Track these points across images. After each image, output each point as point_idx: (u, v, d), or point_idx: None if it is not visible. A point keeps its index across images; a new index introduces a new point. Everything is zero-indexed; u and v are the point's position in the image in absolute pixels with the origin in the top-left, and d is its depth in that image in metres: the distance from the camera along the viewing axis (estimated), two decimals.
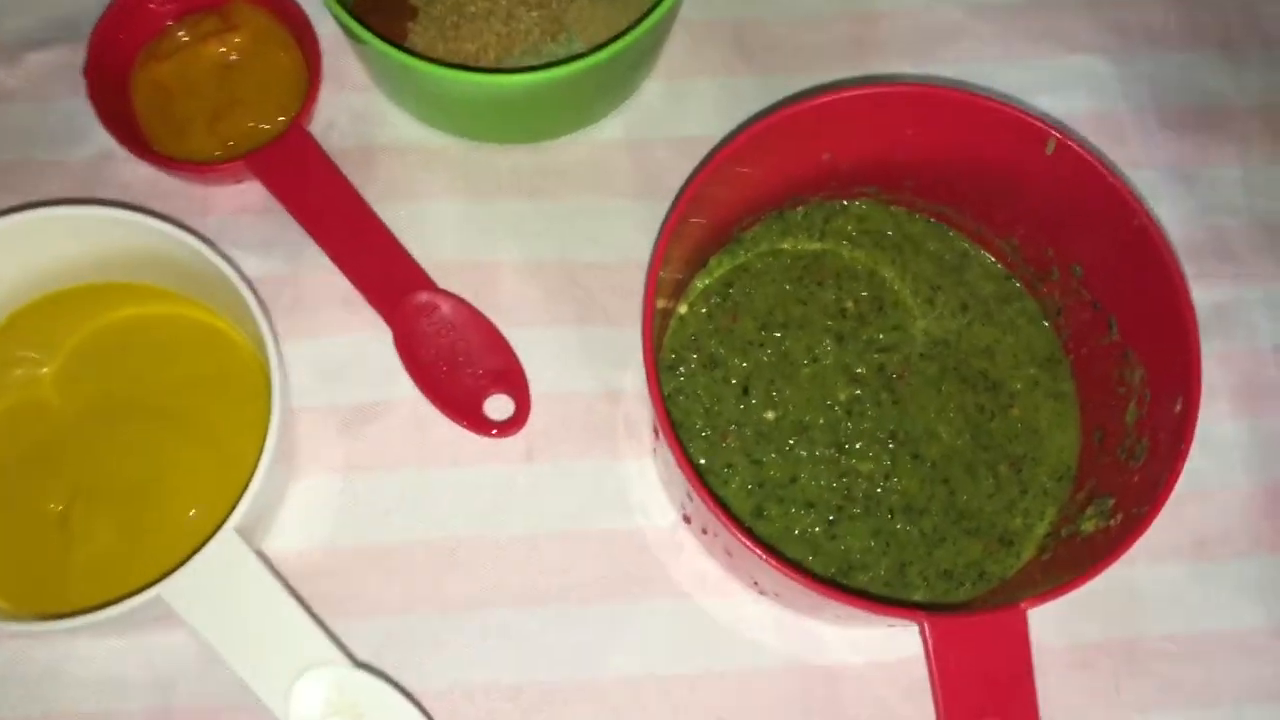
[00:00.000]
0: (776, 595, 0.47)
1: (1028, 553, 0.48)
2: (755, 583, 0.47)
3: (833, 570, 0.47)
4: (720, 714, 0.47)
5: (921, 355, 0.50)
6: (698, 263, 0.51)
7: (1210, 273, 0.55)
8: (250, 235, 0.52)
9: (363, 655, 0.47)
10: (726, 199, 0.47)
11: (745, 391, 0.49)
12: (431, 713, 0.45)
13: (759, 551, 0.40)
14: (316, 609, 0.47)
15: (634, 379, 0.52)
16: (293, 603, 0.41)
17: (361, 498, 0.49)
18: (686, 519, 0.49)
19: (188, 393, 0.48)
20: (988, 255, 0.52)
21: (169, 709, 0.46)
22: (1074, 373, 0.51)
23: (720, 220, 0.49)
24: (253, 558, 0.41)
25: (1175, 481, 0.42)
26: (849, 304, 0.51)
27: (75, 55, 0.52)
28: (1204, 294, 0.55)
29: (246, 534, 0.43)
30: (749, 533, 0.47)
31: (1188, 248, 0.55)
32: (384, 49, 0.47)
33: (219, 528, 0.42)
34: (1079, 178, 0.45)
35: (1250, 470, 0.52)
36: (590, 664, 0.48)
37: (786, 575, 0.40)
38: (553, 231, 0.54)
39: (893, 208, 0.52)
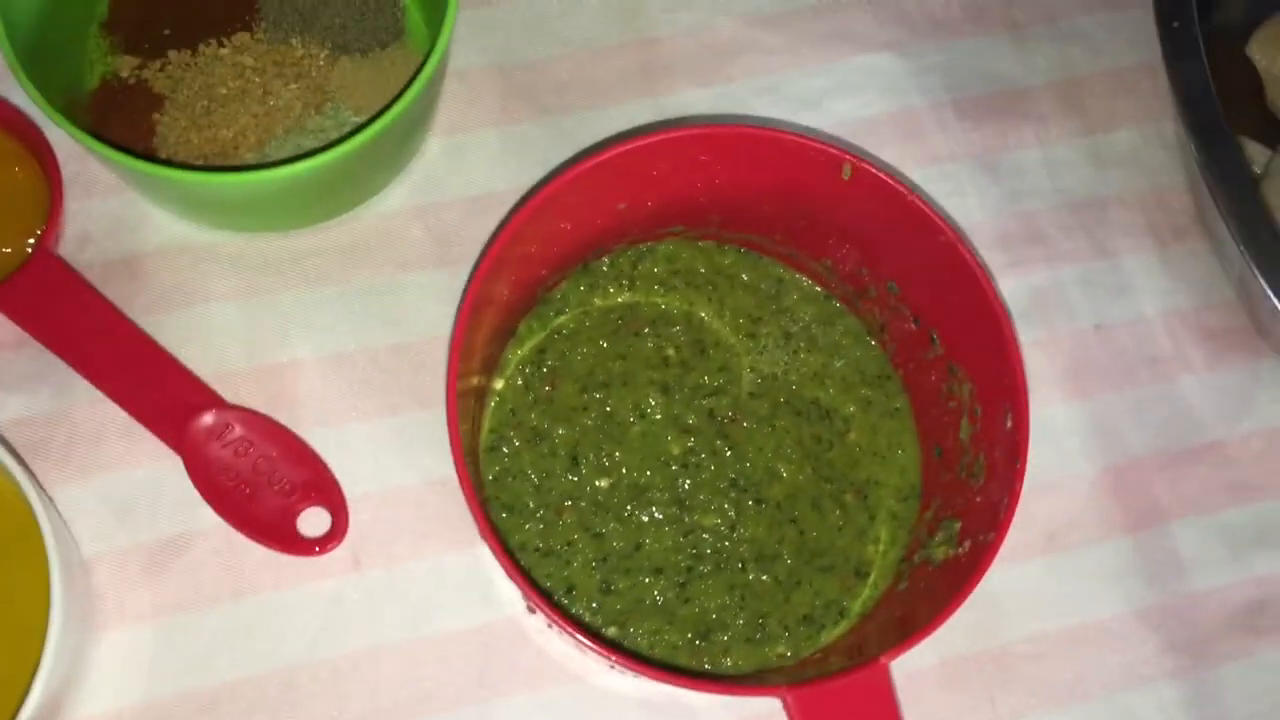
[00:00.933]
0: (637, 675, 0.45)
1: (884, 581, 0.47)
2: (612, 666, 0.45)
3: (690, 635, 0.45)
4: None
5: (750, 394, 0.49)
6: (507, 332, 0.48)
7: (1024, 259, 0.55)
8: (10, 374, 0.47)
9: None
10: (524, 263, 0.45)
11: (575, 461, 0.47)
12: None
13: (604, 652, 0.38)
14: None
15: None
16: None
17: (177, 643, 0.45)
18: (531, 610, 0.46)
19: None
20: (804, 278, 0.51)
21: None
22: (905, 387, 0.49)
23: (522, 285, 0.46)
24: None
25: (1015, 505, 0.41)
26: (670, 351, 0.49)
27: None
28: (1021, 281, 0.54)
29: (47, 714, 0.39)
30: (596, 619, 0.45)
31: (1000, 236, 0.55)
32: (119, 159, 0.43)
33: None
34: (879, 198, 0.44)
35: (1090, 454, 0.52)
36: None
37: (636, 670, 0.38)
38: (347, 318, 0.50)
39: (700, 243, 0.50)
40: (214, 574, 0.46)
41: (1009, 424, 0.42)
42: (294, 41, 0.51)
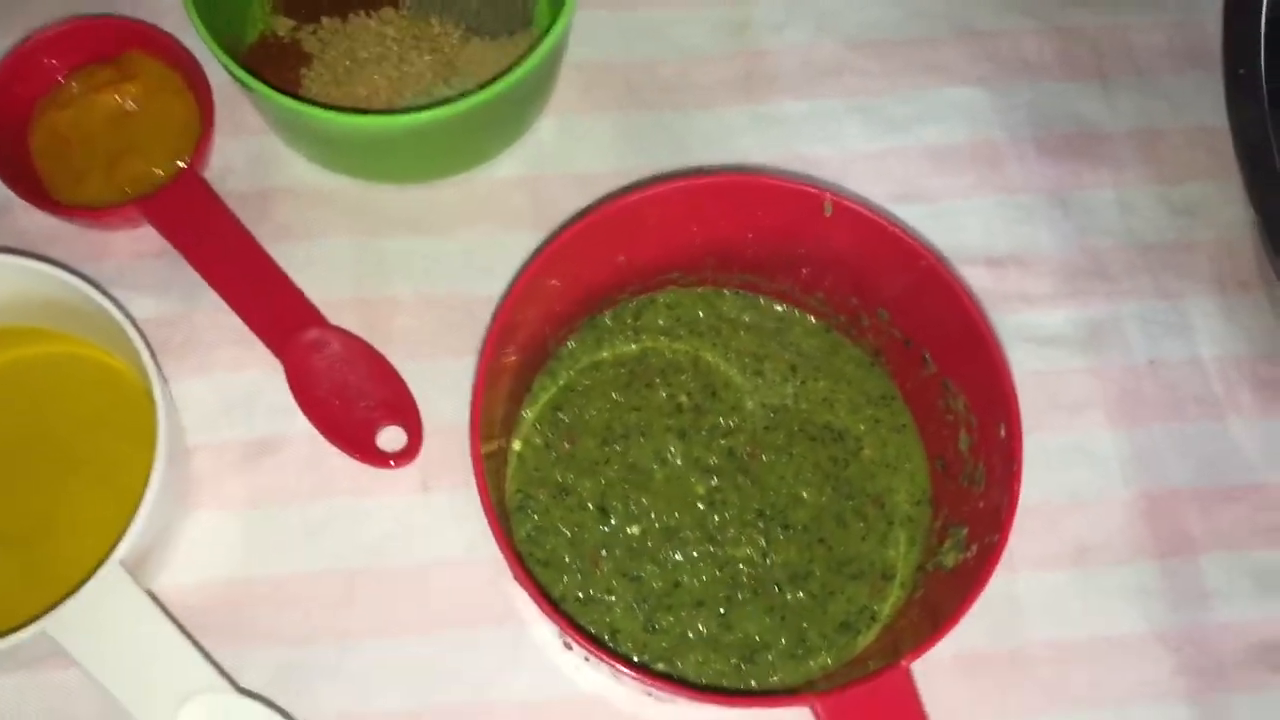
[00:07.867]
0: (671, 697, 0.44)
1: (908, 584, 0.49)
2: (649, 693, 0.46)
3: (735, 660, 0.47)
4: None
5: (765, 428, 0.51)
6: (520, 392, 0.51)
7: (1085, 290, 0.57)
8: (147, 278, 0.53)
9: (258, 685, 0.47)
10: (535, 319, 0.48)
11: (604, 512, 0.49)
12: None
13: (646, 680, 0.41)
14: (213, 641, 0.48)
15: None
16: (175, 631, 0.42)
17: (259, 531, 0.50)
18: (567, 646, 0.48)
19: (84, 433, 0.49)
20: (803, 313, 0.53)
21: None
22: (908, 404, 0.52)
23: (531, 345, 0.49)
24: (135, 588, 0.42)
25: (1014, 507, 0.43)
26: (682, 398, 0.51)
27: None
28: (1079, 311, 0.57)
29: (136, 568, 0.44)
30: (644, 657, 0.48)
31: (1063, 265, 0.57)
32: (269, 94, 0.49)
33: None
34: (862, 231, 0.47)
35: (1128, 479, 0.54)
36: (489, 686, 0.48)
37: (672, 692, 0.41)
38: (448, 266, 0.55)
39: (699, 289, 0.53)
40: (298, 475, 0.51)
41: (1002, 433, 0.44)
42: (433, 20, 0.57)
